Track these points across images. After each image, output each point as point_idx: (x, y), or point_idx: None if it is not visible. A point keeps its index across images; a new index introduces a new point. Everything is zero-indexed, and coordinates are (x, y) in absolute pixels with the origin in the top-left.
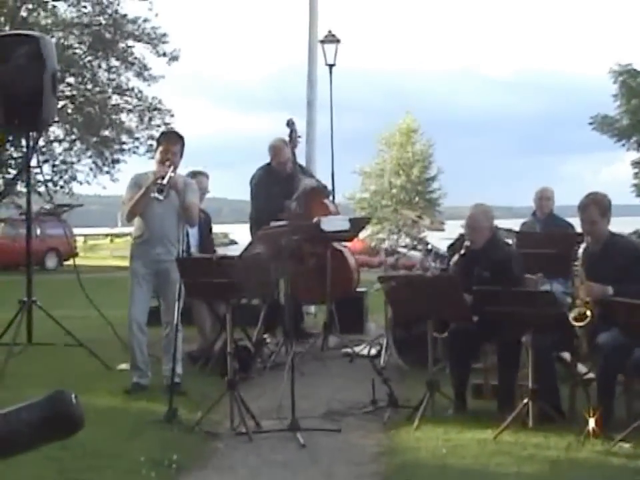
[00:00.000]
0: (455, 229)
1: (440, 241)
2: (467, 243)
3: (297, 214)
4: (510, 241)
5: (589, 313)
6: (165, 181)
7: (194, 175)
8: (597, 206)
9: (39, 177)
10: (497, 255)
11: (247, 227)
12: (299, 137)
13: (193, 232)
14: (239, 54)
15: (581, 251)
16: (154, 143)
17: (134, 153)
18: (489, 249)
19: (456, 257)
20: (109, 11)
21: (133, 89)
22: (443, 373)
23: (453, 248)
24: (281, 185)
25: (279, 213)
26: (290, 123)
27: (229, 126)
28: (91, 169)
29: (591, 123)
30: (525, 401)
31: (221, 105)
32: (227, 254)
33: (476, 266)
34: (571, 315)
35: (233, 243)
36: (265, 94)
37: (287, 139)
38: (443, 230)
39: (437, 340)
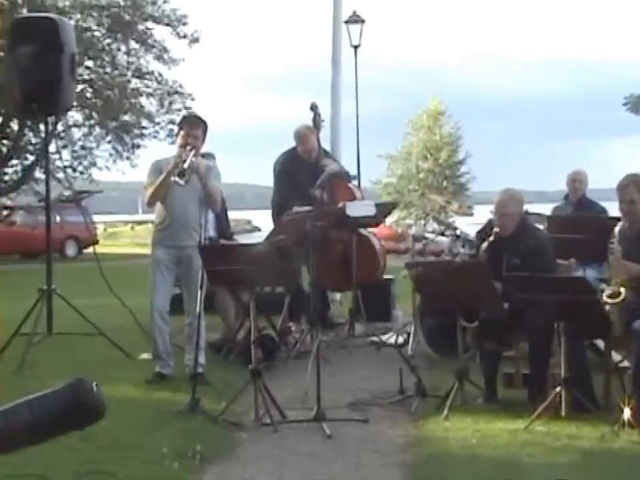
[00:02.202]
0: (483, 213)
1: (468, 226)
2: (496, 229)
3: (322, 201)
4: (541, 226)
5: (623, 290)
6: (186, 165)
7: (202, 156)
8: (636, 186)
9: (58, 163)
10: (527, 241)
11: (269, 213)
12: (323, 120)
13: (210, 216)
14: (262, 36)
15: (617, 230)
16: (175, 128)
17: (154, 137)
18: (519, 235)
19: (485, 244)
20: None
21: (152, 72)
22: (473, 362)
23: (482, 233)
24: (305, 171)
25: (303, 199)
26: (313, 107)
27: (253, 110)
28: (110, 155)
29: (625, 104)
30: (557, 389)
31: (244, 88)
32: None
33: (506, 253)
34: (605, 293)
35: (256, 229)
36: (289, 76)
37: (311, 123)
38: (471, 215)
39: (467, 328)
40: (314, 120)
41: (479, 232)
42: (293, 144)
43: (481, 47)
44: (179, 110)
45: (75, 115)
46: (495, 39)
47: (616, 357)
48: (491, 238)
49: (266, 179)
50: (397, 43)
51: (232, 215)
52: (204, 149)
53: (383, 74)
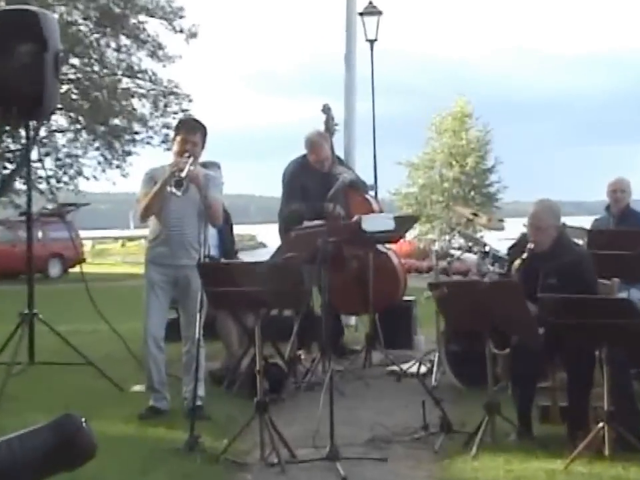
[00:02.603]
0: (515, 227)
1: (499, 241)
2: (530, 245)
3: (335, 214)
4: (580, 241)
5: None
6: (183, 174)
7: (204, 165)
8: None
9: (40, 173)
10: (564, 258)
11: (276, 227)
12: (336, 124)
13: (212, 232)
14: (267, 29)
15: None
16: (170, 133)
17: (147, 143)
18: (556, 251)
19: (518, 262)
20: None
21: (145, 71)
22: (504, 394)
23: (514, 250)
24: (317, 182)
25: (314, 213)
26: (326, 109)
27: (257, 113)
28: (99, 163)
29: None
30: (600, 425)
31: (247, 88)
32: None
33: (541, 271)
34: None
35: (262, 245)
36: (298, 75)
37: (323, 127)
38: (502, 229)
39: (497, 356)
40: (326, 123)
41: (511, 248)
42: (302, 150)
43: (512, 39)
44: (175, 113)
45: (59, 119)
46: (528, 30)
47: None
48: (524, 255)
49: (272, 189)
50: (418, 37)
51: (236, 229)
52: (203, 156)
53: (402, 71)
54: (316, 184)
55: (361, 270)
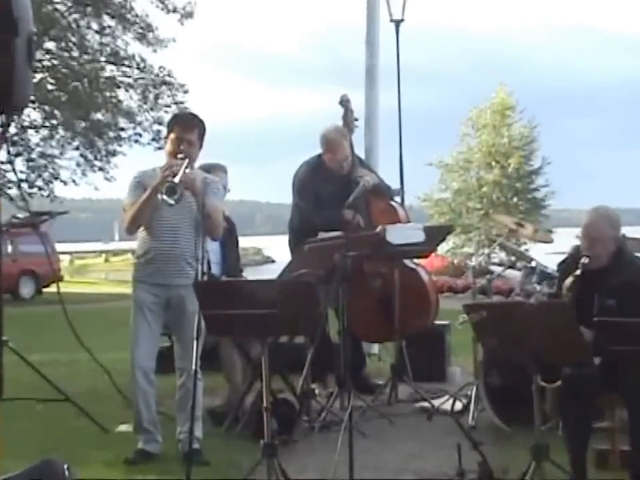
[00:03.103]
0: (566, 239)
1: (547, 256)
2: (584, 260)
3: (356, 224)
4: None
5: None
6: (177, 179)
7: (207, 169)
8: None
9: (10, 176)
10: (625, 275)
11: (286, 239)
12: (356, 119)
13: (213, 246)
14: (274, 7)
15: None
16: (162, 129)
17: (136, 142)
18: (615, 267)
19: (570, 279)
20: None
21: (133, 57)
22: (554, 435)
23: (565, 266)
24: (334, 187)
25: (329, 222)
26: (344, 101)
27: (263, 106)
28: (78, 165)
29: None
30: None
31: (251, 78)
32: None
33: (597, 290)
34: None
35: (269, 260)
36: (310, 61)
37: (341, 122)
38: (550, 241)
39: (545, 390)
40: (345, 118)
41: (562, 264)
42: (316, 149)
43: (565, 16)
44: (168, 106)
45: (31, 114)
46: (580, 6)
47: None
48: (578, 272)
49: (280, 195)
50: (451, 14)
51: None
52: (201, 157)
53: (432, 55)
54: (332, 189)
55: (386, 289)
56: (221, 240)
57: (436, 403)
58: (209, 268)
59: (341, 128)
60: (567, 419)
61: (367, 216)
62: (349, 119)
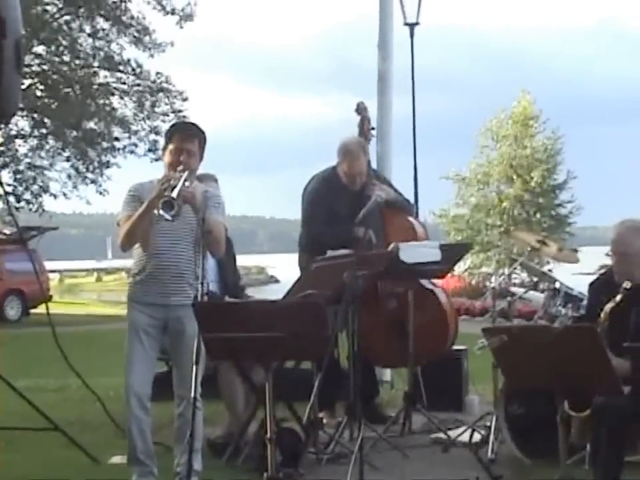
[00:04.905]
0: (592, 258)
1: (572, 276)
2: (626, 285)
3: (368, 241)
4: None
5: None
6: (174, 193)
7: (198, 179)
8: None
9: None
10: None
11: (293, 257)
12: (373, 128)
13: (210, 264)
14: (280, 7)
15: None
16: (160, 139)
17: (131, 152)
18: None
19: (610, 305)
20: None
21: (128, 62)
22: (581, 468)
23: (597, 286)
24: (347, 203)
25: (339, 239)
26: (361, 109)
27: (268, 112)
28: (69, 177)
29: None
30: None
31: (254, 83)
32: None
33: (632, 312)
34: None
35: (273, 280)
36: (318, 66)
37: (357, 131)
38: (576, 261)
39: (571, 420)
40: (361, 127)
41: (592, 285)
42: (325, 161)
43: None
44: (166, 114)
45: (19, 122)
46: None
47: None
48: (618, 297)
49: (286, 210)
50: (468, 17)
51: (240, 260)
52: (202, 168)
53: (449, 60)
54: (346, 204)
55: (401, 311)
56: (217, 257)
57: (452, 434)
58: (208, 287)
59: (362, 141)
60: (595, 452)
61: (381, 233)
62: (365, 128)
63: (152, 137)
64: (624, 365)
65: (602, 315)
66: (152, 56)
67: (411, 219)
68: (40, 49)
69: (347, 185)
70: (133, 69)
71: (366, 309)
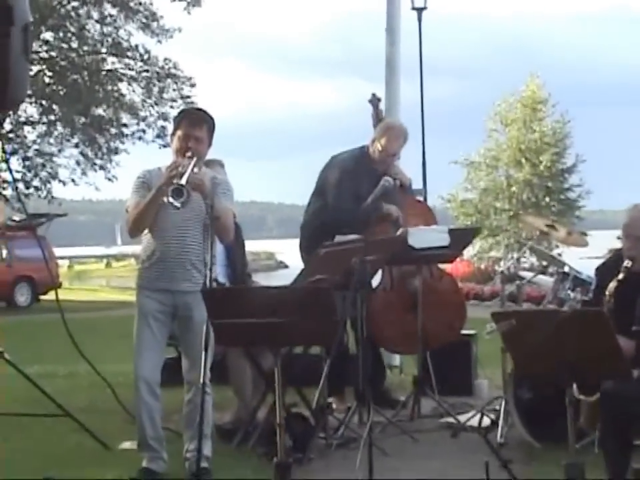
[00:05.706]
0: (602, 242)
1: (581, 260)
2: (627, 263)
3: (396, 219)
4: None
5: None
6: (183, 180)
7: (205, 165)
8: None
9: (5, 176)
10: None
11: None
12: (383, 118)
13: (218, 249)
14: None
15: None
16: (168, 125)
17: (139, 139)
18: None
19: (613, 284)
20: None
21: (136, 48)
22: (591, 452)
23: (605, 269)
24: (371, 184)
25: (352, 224)
26: (374, 100)
27: (275, 99)
28: (77, 163)
29: None
30: None
31: (262, 69)
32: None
33: (638, 294)
34: None
35: (282, 265)
36: (325, 50)
37: (371, 121)
38: (585, 245)
39: (581, 403)
40: (375, 118)
41: (600, 267)
42: (335, 148)
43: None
44: (174, 100)
45: (28, 109)
46: None
47: None
48: (621, 276)
49: (295, 195)
50: (475, 3)
51: (249, 245)
52: (210, 154)
53: (457, 44)
54: (369, 188)
55: (408, 296)
56: (225, 243)
57: (462, 418)
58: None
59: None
60: (604, 436)
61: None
62: (379, 119)
63: (160, 123)
64: (629, 344)
65: (606, 294)
66: (160, 42)
67: (422, 204)
68: (48, 36)
69: (374, 167)
70: (141, 55)
71: (374, 294)
